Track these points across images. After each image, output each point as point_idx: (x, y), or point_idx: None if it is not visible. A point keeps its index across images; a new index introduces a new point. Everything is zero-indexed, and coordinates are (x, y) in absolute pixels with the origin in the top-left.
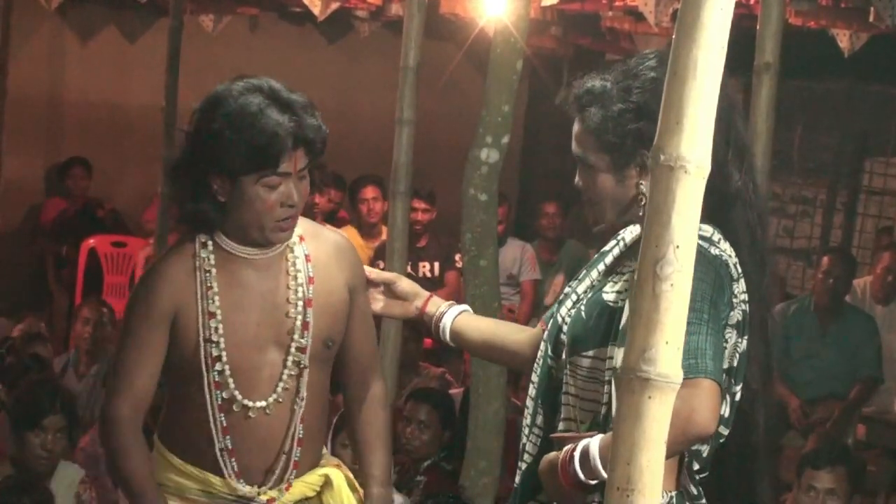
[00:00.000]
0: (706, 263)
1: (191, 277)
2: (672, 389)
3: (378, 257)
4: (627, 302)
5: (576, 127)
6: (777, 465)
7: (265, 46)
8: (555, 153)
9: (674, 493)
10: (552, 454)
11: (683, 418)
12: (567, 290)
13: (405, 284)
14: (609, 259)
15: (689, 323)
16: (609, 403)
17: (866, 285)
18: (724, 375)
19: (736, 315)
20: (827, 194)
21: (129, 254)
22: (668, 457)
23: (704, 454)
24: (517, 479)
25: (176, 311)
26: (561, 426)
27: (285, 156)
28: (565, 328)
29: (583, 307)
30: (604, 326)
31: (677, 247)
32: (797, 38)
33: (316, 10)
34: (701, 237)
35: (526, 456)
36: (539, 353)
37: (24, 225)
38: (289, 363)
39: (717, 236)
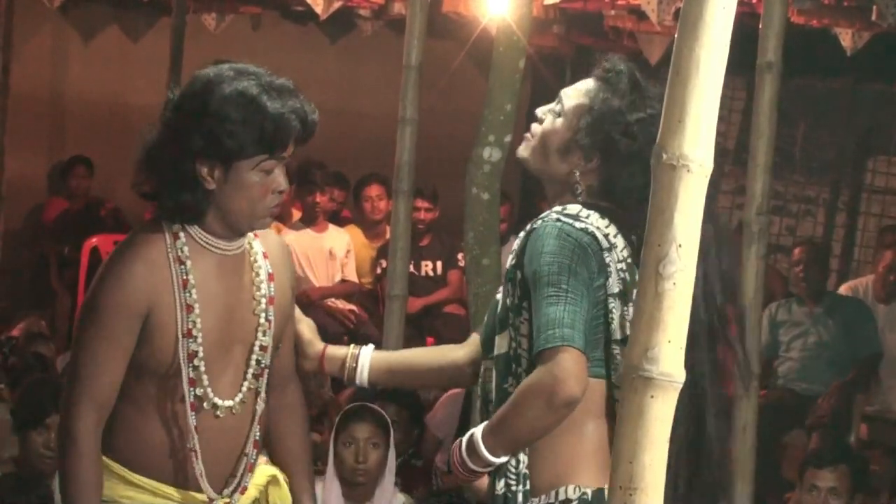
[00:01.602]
0: (564, 237)
1: (165, 269)
2: (675, 389)
3: (381, 256)
4: (500, 293)
5: (586, 81)
6: (779, 465)
7: (268, 45)
8: None
9: (591, 489)
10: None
11: (546, 388)
12: (499, 296)
13: (304, 328)
14: None
15: (547, 296)
16: (493, 391)
17: (868, 284)
18: (618, 346)
19: (615, 284)
20: (829, 193)
21: None
22: (542, 434)
23: None
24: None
25: (151, 305)
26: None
27: (290, 140)
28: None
29: (488, 313)
30: (494, 325)
31: (680, 245)
32: (800, 36)
33: (318, 9)
34: (566, 214)
35: None
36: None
37: (27, 224)
38: (252, 362)
39: (584, 212)
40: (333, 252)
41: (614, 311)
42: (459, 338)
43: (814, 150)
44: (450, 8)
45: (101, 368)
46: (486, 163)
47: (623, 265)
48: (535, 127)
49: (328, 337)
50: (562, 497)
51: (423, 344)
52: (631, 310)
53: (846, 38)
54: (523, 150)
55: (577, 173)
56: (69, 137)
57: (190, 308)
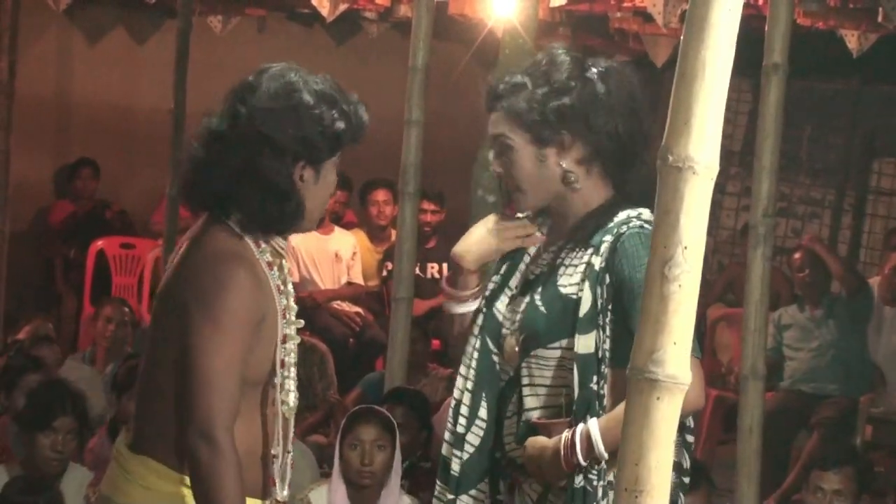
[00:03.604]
0: None
1: (265, 276)
2: (680, 391)
3: (387, 259)
4: (586, 290)
5: (495, 115)
6: (788, 466)
7: (273, 47)
8: None
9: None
10: (539, 439)
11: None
12: (492, 285)
13: None
14: (531, 249)
15: None
16: (577, 387)
17: (874, 286)
18: None
19: None
20: (835, 195)
21: (138, 255)
22: None
23: (692, 425)
24: (455, 467)
25: (264, 313)
26: (536, 414)
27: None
28: (509, 324)
29: (540, 302)
30: (567, 318)
31: (685, 248)
32: (806, 38)
33: (324, 12)
34: (644, 220)
35: (467, 446)
36: (471, 347)
37: (33, 226)
38: (294, 360)
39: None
40: (339, 254)
41: None
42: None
43: (820, 152)
44: (456, 10)
45: (235, 378)
46: (492, 165)
47: None
48: (507, 182)
49: (334, 339)
50: None
51: (428, 346)
52: None
53: (852, 39)
54: (523, 205)
55: (564, 163)
56: (75, 140)
57: (284, 314)
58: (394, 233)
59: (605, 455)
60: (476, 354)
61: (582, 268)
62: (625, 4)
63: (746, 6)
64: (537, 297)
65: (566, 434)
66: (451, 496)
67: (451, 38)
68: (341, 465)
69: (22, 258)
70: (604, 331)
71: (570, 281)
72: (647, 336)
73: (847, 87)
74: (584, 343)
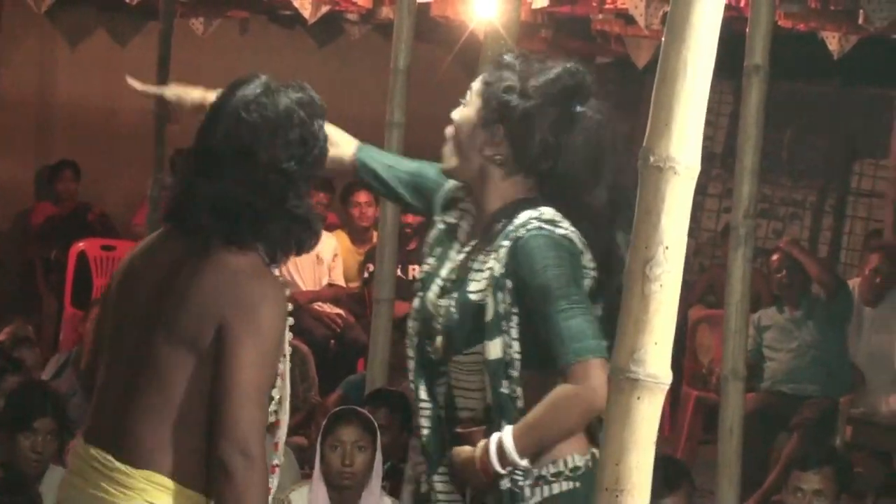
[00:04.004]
0: (557, 247)
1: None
2: (661, 390)
3: (368, 260)
4: (489, 296)
5: (488, 73)
6: (768, 467)
7: (255, 49)
8: None
9: (588, 455)
10: (464, 449)
11: (589, 401)
12: (427, 268)
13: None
14: (462, 236)
15: (562, 310)
16: (489, 392)
17: (855, 287)
18: None
19: (588, 283)
20: (816, 196)
21: (119, 258)
22: (571, 436)
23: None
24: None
25: (285, 328)
26: (462, 415)
27: None
28: (440, 319)
29: (454, 308)
30: (478, 325)
31: (666, 247)
32: (787, 40)
33: (306, 13)
34: (545, 220)
35: (423, 429)
36: (411, 330)
37: (14, 228)
38: None
39: (558, 217)
40: (321, 256)
41: (596, 310)
42: None
43: (801, 154)
44: (438, 12)
45: (268, 391)
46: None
47: (591, 264)
48: (448, 130)
49: (315, 340)
50: (571, 465)
51: None
52: (599, 308)
53: (833, 41)
54: (446, 161)
55: (486, 149)
56: (56, 142)
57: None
58: (375, 234)
59: (521, 462)
60: (416, 340)
61: (487, 273)
62: (606, 6)
63: (727, 8)
64: (452, 302)
65: (482, 444)
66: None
67: (433, 40)
68: (322, 466)
69: (2, 260)
70: (509, 335)
71: (477, 287)
72: (628, 335)
73: (828, 89)
74: (492, 349)
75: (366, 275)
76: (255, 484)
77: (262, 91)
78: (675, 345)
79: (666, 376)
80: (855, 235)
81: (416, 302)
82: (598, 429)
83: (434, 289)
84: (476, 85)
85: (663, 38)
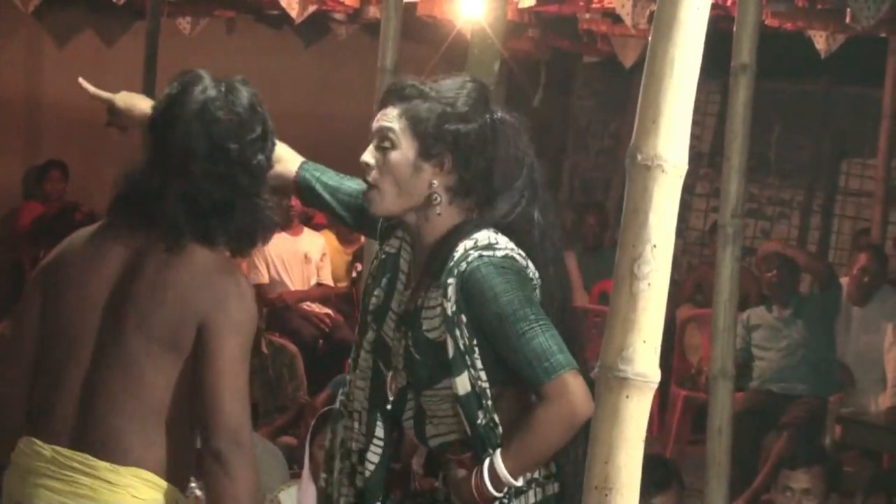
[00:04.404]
0: (502, 271)
1: None
2: (650, 389)
3: (356, 260)
4: (447, 335)
5: (390, 110)
6: (757, 466)
7: (242, 49)
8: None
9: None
10: (461, 472)
11: (570, 417)
12: (375, 299)
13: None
14: (404, 266)
15: (523, 333)
16: (466, 425)
17: (843, 287)
18: None
19: (537, 294)
20: (804, 196)
21: None
22: (559, 449)
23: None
24: (359, 482)
25: None
26: (449, 438)
27: None
28: (400, 357)
29: (413, 349)
30: (439, 362)
31: (654, 246)
32: (774, 39)
33: (293, 13)
34: (482, 247)
35: (368, 464)
36: (363, 365)
37: (1, 228)
38: None
39: (493, 238)
40: (309, 256)
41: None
42: None
43: (788, 153)
44: (424, 11)
45: (247, 383)
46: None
47: (535, 273)
48: (373, 175)
49: (304, 340)
50: (553, 469)
51: None
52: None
53: (820, 40)
54: (378, 207)
55: (435, 183)
56: (44, 141)
57: None
58: None
59: (517, 483)
60: (370, 373)
61: (438, 311)
62: (593, 6)
63: (714, 7)
64: (410, 341)
65: (476, 471)
66: None
67: (420, 40)
68: (311, 465)
69: None
70: (474, 368)
71: (432, 325)
72: (616, 334)
73: (815, 88)
74: (461, 384)
75: (354, 274)
76: (250, 473)
77: (226, 88)
78: (663, 344)
79: (654, 375)
80: (843, 235)
81: (370, 335)
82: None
83: (389, 323)
84: (393, 123)
85: (650, 37)
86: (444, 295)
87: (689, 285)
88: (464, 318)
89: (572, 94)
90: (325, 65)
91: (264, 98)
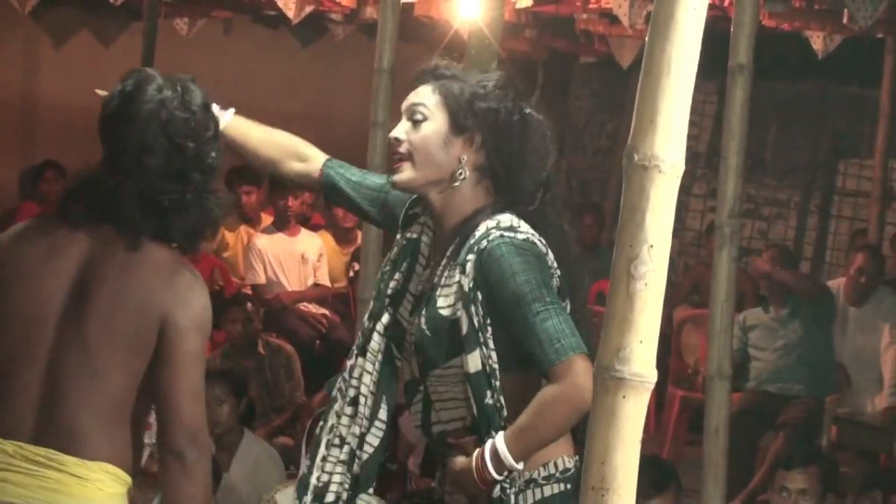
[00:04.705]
0: (521, 252)
1: None
2: (646, 389)
3: (353, 260)
4: (462, 311)
5: (423, 88)
6: (754, 467)
7: (239, 50)
8: None
9: (578, 456)
10: (458, 460)
11: (575, 399)
12: (395, 284)
13: None
14: (424, 250)
15: (537, 313)
16: (474, 404)
17: (839, 287)
18: None
19: (556, 282)
20: (801, 196)
21: None
22: (562, 435)
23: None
24: (356, 467)
25: None
26: (449, 427)
27: None
28: (412, 337)
29: (425, 326)
30: (453, 339)
31: (651, 246)
32: (771, 39)
33: (290, 14)
34: (504, 228)
35: (366, 447)
36: (377, 346)
37: None
38: None
39: (515, 221)
40: (306, 256)
41: (566, 307)
42: None
43: (785, 154)
44: (421, 12)
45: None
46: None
47: (555, 263)
48: (402, 147)
49: (300, 340)
50: (561, 468)
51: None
52: (568, 304)
53: (817, 41)
54: (405, 175)
55: (464, 158)
56: (41, 142)
57: None
58: (360, 234)
59: (518, 466)
60: (381, 357)
61: (455, 288)
62: (590, 6)
63: (711, 7)
64: (423, 319)
65: (477, 453)
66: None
67: (417, 40)
68: None
69: None
70: (486, 346)
71: (447, 302)
72: (613, 334)
73: (812, 89)
74: (472, 361)
75: (351, 275)
76: (207, 472)
77: (181, 88)
78: (659, 345)
79: (651, 375)
80: (840, 235)
81: (385, 318)
82: (581, 430)
83: (406, 305)
84: (428, 97)
85: (647, 37)
86: (463, 271)
87: (685, 286)
88: (479, 295)
89: (569, 95)
90: (323, 65)
91: (261, 98)
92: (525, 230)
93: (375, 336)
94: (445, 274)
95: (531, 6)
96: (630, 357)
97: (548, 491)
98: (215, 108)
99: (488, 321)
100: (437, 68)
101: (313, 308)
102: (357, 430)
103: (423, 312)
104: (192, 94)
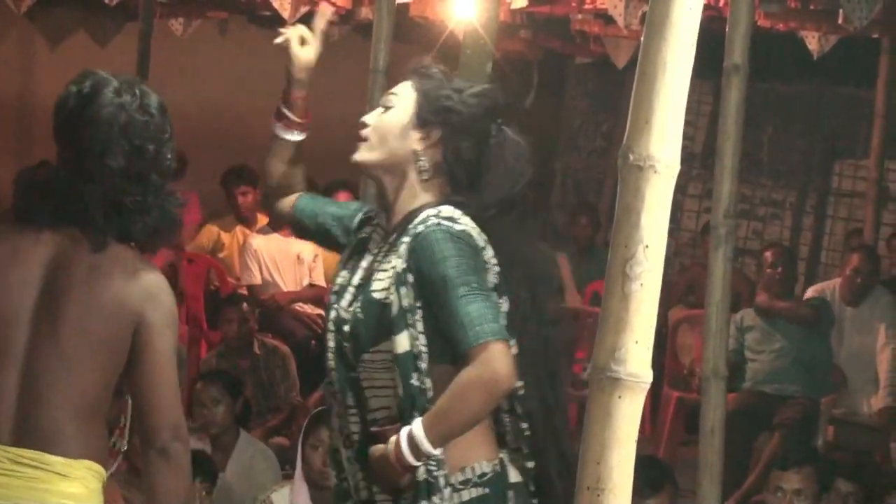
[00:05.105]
0: (455, 240)
1: None
2: (642, 389)
3: None
4: (393, 293)
5: (405, 82)
6: (750, 467)
7: (235, 50)
8: None
9: (496, 461)
10: (378, 447)
11: (487, 382)
12: (341, 279)
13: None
14: (373, 247)
15: (462, 297)
16: (400, 386)
17: (835, 288)
18: None
19: (492, 278)
20: (796, 197)
21: None
22: (478, 421)
23: (520, 412)
24: (348, 455)
25: None
26: (378, 415)
27: None
28: (346, 327)
29: (358, 309)
30: (383, 322)
31: (647, 247)
32: (766, 40)
33: (285, 14)
34: (444, 217)
35: (354, 437)
36: (332, 345)
37: None
38: None
39: (457, 214)
40: (301, 257)
41: (502, 304)
42: None
43: (781, 154)
44: (417, 12)
45: None
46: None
47: (493, 260)
48: (365, 130)
49: (296, 341)
50: (478, 472)
51: None
52: (505, 302)
53: (812, 41)
54: (360, 154)
55: (420, 150)
56: (36, 142)
57: None
58: None
59: (434, 451)
60: (338, 352)
61: (390, 272)
62: (586, 6)
63: (707, 7)
64: (358, 304)
65: (393, 439)
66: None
67: (412, 41)
68: (304, 466)
69: None
70: (415, 328)
71: (381, 286)
72: (608, 334)
73: (808, 89)
74: (400, 343)
75: None
76: (189, 463)
77: (139, 91)
78: (655, 345)
79: (647, 375)
80: (835, 236)
81: (332, 314)
82: (508, 431)
83: (346, 296)
84: (404, 90)
85: (643, 38)
86: (398, 254)
87: (681, 286)
88: (410, 277)
89: (565, 95)
90: (318, 66)
91: (257, 98)
92: (465, 223)
93: (328, 334)
94: (384, 261)
95: (526, 7)
96: (626, 357)
97: (465, 496)
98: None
99: (419, 304)
100: (422, 67)
101: (309, 308)
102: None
103: (360, 298)
104: (149, 97)
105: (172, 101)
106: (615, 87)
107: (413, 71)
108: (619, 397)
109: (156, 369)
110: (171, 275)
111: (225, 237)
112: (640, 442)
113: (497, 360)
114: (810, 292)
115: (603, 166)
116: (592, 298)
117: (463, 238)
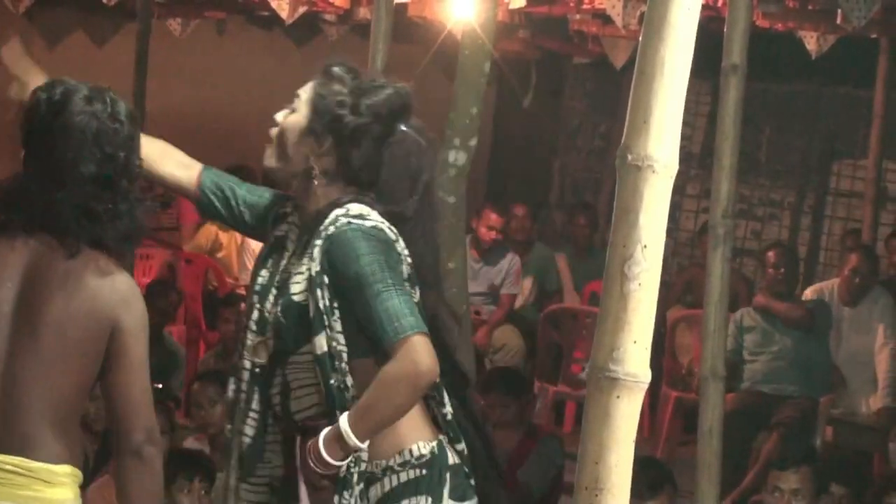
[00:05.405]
0: (368, 237)
1: None
2: (640, 389)
3: None
4: (310, 295)
5: (313, 81)
6: (748, 467)
7: (233, 50)
8: (523, 156)
9: (435, 443)
10: (309, 443)
11: (411, 375)
12: (262, 279)
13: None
14: (289, 246)
15: (378, 294)
16: (322, 386)
17: (834, 288)
18: None
19: (405, 270)
20: (795, 197)
21: None
22: (404, 413)
23: (445, 398)
24: (234, 456)
25: None
26: (310, 412)
27: None
28: (269, 328)
29: (280, 312)
30: (303, 324)
31: (645, 246)
32: (765, 40)
33: (283, 14)
34: (353, 216)
35: (245, 438)
36: (249, 345)
37: None
38: None
39: (366, 210)
40: None
41: (414, 295)
42: None
43: (779, 154)
44: (415, 12)
45: None
46: (451, 166)
47: (405, 251)
48: (273, 130)
49: None
50: (416, 454)
51: None
52: (417, 293)
53: (811, 41)
54: (266, 160)
55: (312, 158)
56: None
57: None
58: None
59: (363, 446)
60: (252, 350)
61: (305, 274)
62: (584, 6)
63: (705, 8)
64: (279, 307)
65: (321, 434)
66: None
67: (411, 41)
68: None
69: None
70: (332, 329)
71: (299, 288)
72: (606, 334)
73: (806, 89)
74: (318, 344)
75: None
76: (161, 464)
77: (109, 99)
78: (653, 345)
79: (645, 375)
80: (833, 236)
81: (255, 314)
82: (437, 415)
83: (270, 298)
84: (306, 93)
85: (641, 38)
86: (311, 257)
87: (679, 286)
88: (326, 278)
89: (563, 95)
90: (316, 66)
91: (254, 99)
92: (375, 218)
93: (249, 334)
94: (298, 263)
95: (524, 7)
96: (624, 357)
97: (403, 477)
98: None
99: (335, 304)
100: (331, 66)
101: None
102: (236, 423)
103: (280, 301)
104: (118, 104)
105: (171, 101)
106: (613, 87)
107: (323, 70)
108: (618, 397)
109: (130, 372)
110: (170, 275)
111: (223, 237)
112: (638, 443)
113: (418, 353)
114: (809, 292)
115: (601, 166)
116: (591, 298)
117: (375, 234)
